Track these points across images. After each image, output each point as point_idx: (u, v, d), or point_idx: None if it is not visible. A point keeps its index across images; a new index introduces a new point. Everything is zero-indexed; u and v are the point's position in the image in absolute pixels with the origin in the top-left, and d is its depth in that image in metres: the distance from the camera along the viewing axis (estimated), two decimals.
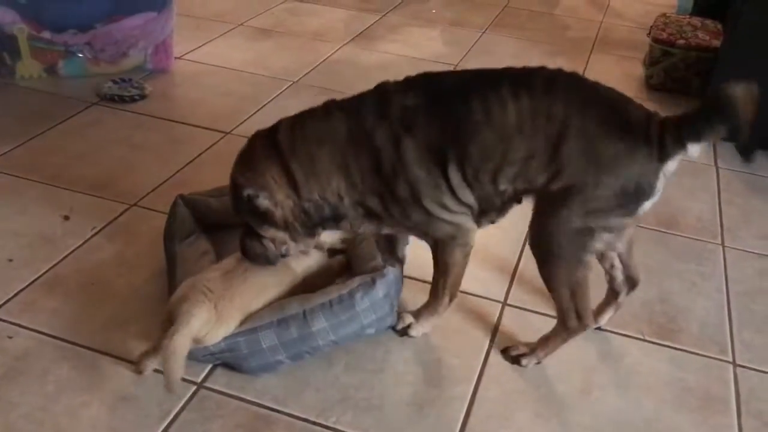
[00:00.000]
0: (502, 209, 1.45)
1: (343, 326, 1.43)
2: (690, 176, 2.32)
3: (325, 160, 1.35)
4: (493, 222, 1.49)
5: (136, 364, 1.39)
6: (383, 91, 1.38)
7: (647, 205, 1.32)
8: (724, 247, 1.98)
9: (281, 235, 1.40)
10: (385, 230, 1.48)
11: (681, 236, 2.01)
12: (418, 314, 1.56)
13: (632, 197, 1.29)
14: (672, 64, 2.87)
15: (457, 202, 1.38)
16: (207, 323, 1.35)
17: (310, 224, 1.40)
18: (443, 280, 1.51)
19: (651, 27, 3.08)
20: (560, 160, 1.29)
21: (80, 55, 2.58)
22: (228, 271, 1.45)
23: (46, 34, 2.51)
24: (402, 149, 1.32)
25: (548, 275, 1.40)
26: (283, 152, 1.36)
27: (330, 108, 1.39)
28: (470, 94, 1.33)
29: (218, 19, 3.32)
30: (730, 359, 1.58)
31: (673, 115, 1.29)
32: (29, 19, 2.47)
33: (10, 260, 1.69)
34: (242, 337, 1.37)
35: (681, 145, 1.26)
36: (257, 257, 1.43)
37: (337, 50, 3.09)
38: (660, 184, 1.30)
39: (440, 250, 1.47)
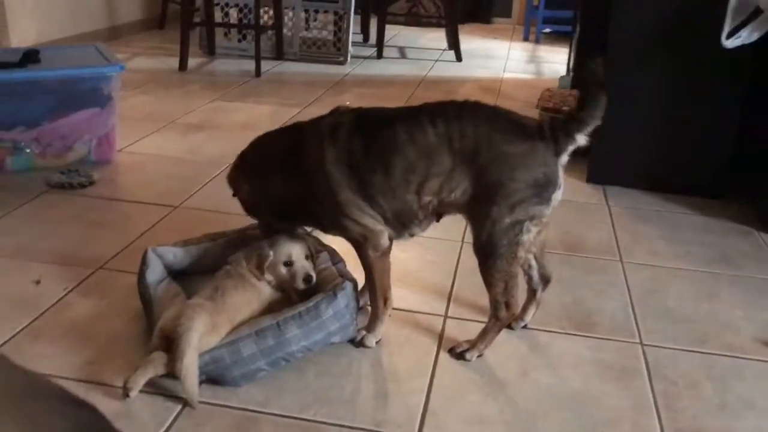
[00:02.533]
0: (421, 223, 1.72)
1: (313, 333, 1.63)
2: (587, 213, 2.70)
3: (268, 162, 1.77)
4: (412, 235, 1.77)
5: (123, 387, 1.53)
6: (331, 112, 1.76)
7: (557, 195, 1.63)
8: (622, 262, 2.32)
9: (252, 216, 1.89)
10: (325, 229, 1.82)
11: (585, 257, 2.34)
12: (368, 327, 1.79)
13: (543, 187, 1.60)
14: None
15: (370, 205, 1.66)
16: (204, 334, 1.53)
17: (272, 211, 1.81)
18: (372, 284, 1.76)
19: (538, 100, 3.56)
20: (478, 169, 1.60)
21: (27, 150, 2.75)
22: (210, 296, 1.65)
23: None
24: (323, 149, 1.65)
25: (488, 271, 1.66)
26: (244, 158, 1.83)
27: (293, 125, 1.81)
28: (395, 121, 1.65)
29: (150, 119, 3.57)
30: (638, 341, 1.88)
31: (559, 118, 1.65)
32: None
33: None
34: (225, 348, 1.55)
35: (571, 138, 1.60)
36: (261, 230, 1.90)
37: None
38: (561, 176, 1.63)
39: (358, 252, 1.75)
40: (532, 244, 1.69)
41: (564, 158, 1.64)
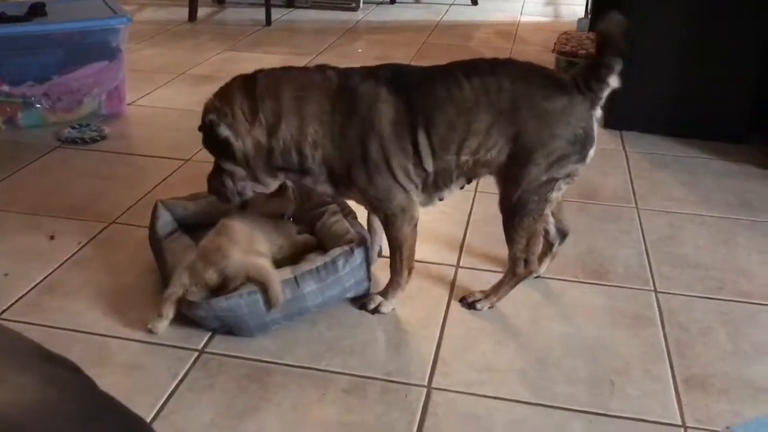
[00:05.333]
0: (453, 185, 1.67)
1: (329, 288, 1.64)
2: (603, 159, 2.64)
3: (306, 105, 1.52)
4: (441, 199, 1.72)
5: (158, 309, 1.60)
6: (366, 67, 1.62)
7: (592, 152, 1.60)
8: (638, 209, 2.29)
9: (239, 170, 1.57)
10: (342, 196, 1.71)
11: (601, 204, 2.31)
12: (384, 293, 1.74)
13: (582, 143, 1.57)
14: None
15: (417, 171, 1.60)
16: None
17: (272, 165, 1.56)
18: (399, 255, 1.69)
19: (555, 43, 3.48)
20: (517, 126, 1.55)
21: (38, 105, 2.74)
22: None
23: (5, 88, 2.67)
24: (383, 107, 1.54)
25: (513, 227, 1.63)
26: (257, 89, 1.52)
27: (323, 66, 1.61)
28: (432, 77, 1.59)
29: (159, 71, 3.54)
30: (652, 288, 1.86)
31: (583, 66, 1.59)
32: None
33: (6, 274, 1.83)
34: (243, 299, 1.56)
35: (605, 83, 1.54)
36: (216, 192, 1.61)
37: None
38: (596, 130, 1.59)
39: (391, 226, 1.65)
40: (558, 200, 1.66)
41: (598, 111, 1.59)
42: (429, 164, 1.60)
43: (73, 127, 2.71)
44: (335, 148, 1.56)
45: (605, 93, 1.58)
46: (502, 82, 1.57)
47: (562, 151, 1.56)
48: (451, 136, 1.58)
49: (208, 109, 1.56)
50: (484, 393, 1.48)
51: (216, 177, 1.62)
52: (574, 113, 1.56)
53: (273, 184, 1.64)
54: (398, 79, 1.59)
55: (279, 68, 1.61)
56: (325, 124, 1.54)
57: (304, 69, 1.63)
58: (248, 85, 1.55)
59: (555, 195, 1.62)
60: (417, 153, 1.58)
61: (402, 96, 1.57)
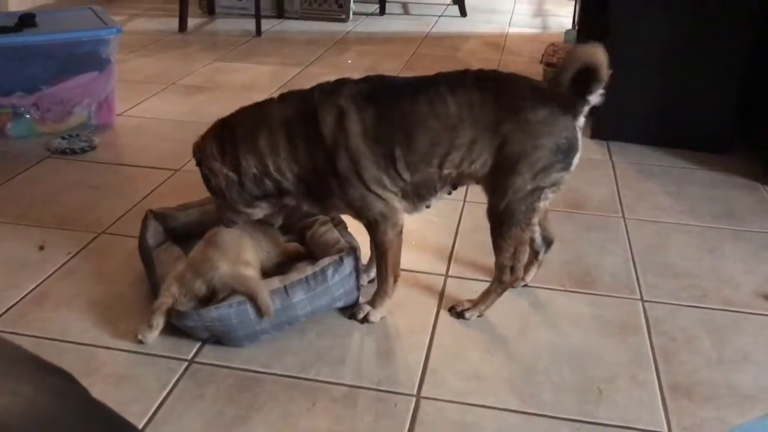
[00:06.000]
0: (438, 194, 1.69)
1: (318, 298, 1.65)
2: (590, 170, 2.67)
3: (259, 141, 1.58)
4: (428, 206, 1.74)
5: (148, 319, 1.60)
6: (339, 79, 1.64)
7: (576, 159, 1.62)
8: (624, 218, 2.31)
9: (220, 202, 1.67)
10: (327, 210, 1.73)
11: (588, 214, 2.33)
12: (372, 302, 1.75)
13: (566, 152, 1.59)
14: None
15: (392, 181, 1.61)
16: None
17: (248, 196, 1.64)
18: (384, 263, 1.71)
19: (543, 55, 3.51)
20: (501, 138, 1.57)
21: (28, 115, 2.74)
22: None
23: None
24: (347, 121, 1.56)
25: (501, 236, 1.65)
26: (224, 132, 1.62)
27: (284, 95, 1.65)
28: (416, 91, 1.60)
29: (150, 82, 3.55)
30: (639, 297, 1.88)
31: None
32: None
33: None
34: (232, 309, 1.56)
35: (585, 100, 1.58)
36: (219, 219, 1.73)
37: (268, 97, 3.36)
38: (580, 138, 1.61)
39: (375, 233, 1.67)
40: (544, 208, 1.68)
41: (581, 120, 1.61)
42: (407, 176, 1.61)
43: (63, 138, 2.71)
44: (302, 167, 1.60)
45: (586, 108, 1.61)
46: (485, 96, 1.58)
47: (546, 161, 1.58)
48: (432, 152, 1.59)
49: (193, 150, 1.67)
50: (473, 401, 1.49)
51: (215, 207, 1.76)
52: (557, 123, 1.58)
53: (255, 213, 1.70)
54: (376, 92, 1.60)
55: (242, 108, 1.67)
56: (283, 151, 1.59)
57: (265, 102, 1.66)
58: (219, 128, 1.65)
59: (542, 204, 1.64)
60: (393, 166, 1.60)
61: (376, 109, 1.58)
